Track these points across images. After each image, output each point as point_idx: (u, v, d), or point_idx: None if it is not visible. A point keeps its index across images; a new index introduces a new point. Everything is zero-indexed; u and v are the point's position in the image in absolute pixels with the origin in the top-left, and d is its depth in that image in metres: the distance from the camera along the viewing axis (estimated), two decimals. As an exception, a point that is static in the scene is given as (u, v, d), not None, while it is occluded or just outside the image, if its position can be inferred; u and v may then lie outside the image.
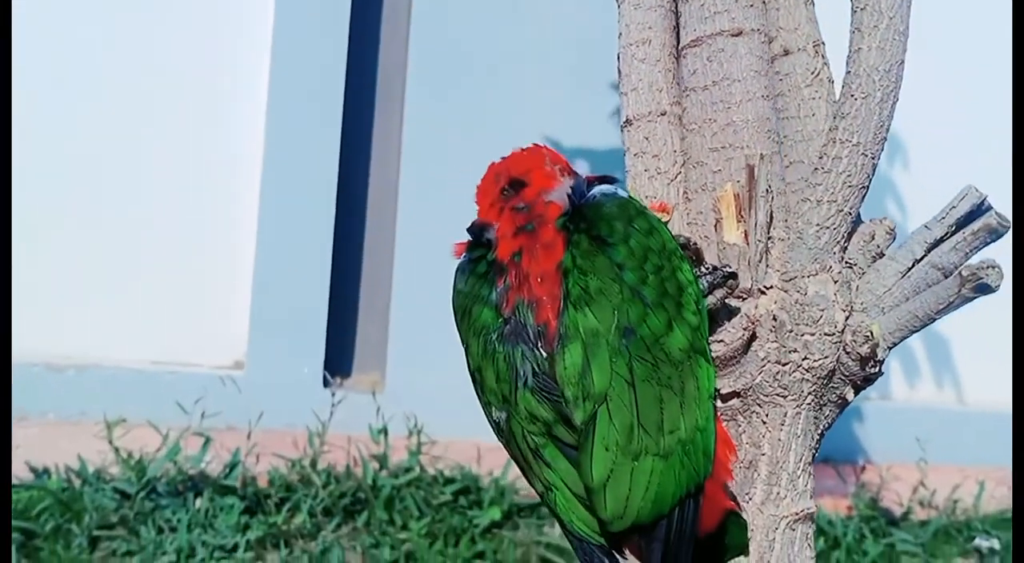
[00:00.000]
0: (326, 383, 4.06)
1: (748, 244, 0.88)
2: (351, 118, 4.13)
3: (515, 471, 3.41)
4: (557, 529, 3.29)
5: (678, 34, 0.98)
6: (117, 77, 3.92)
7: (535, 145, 0.99)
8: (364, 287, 4.31)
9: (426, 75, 4.11)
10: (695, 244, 0.90)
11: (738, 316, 0.89)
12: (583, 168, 4.04)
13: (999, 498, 3.70)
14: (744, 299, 0.89)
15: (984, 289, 0.85)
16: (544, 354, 0.85)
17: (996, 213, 0.88)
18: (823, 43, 1.01)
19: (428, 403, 3.70)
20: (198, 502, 3.12)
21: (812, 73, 0.99)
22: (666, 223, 0.90)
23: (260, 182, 4.00)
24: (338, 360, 4.18)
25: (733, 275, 0.88)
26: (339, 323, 4.20)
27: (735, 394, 0.91)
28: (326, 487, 3.25)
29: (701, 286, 0.87)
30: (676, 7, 0.97)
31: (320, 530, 3.10)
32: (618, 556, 0.89)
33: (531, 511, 3.35)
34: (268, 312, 4.00)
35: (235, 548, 2.95)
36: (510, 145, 4.26)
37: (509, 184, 0.95)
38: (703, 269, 0.89)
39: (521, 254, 0.89)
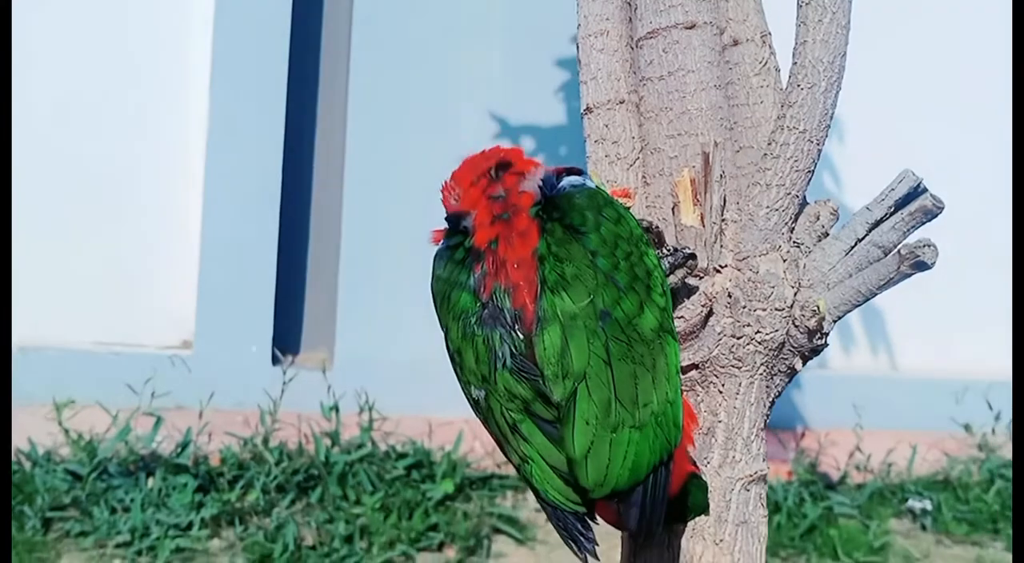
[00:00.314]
0: (275, 361, 4.06)
1: (704, 226, 0.94)
2: (295, 95, 4.11)
3: (466, 445, 3.48)
4: (509, 500, 3.37)
5: (633, 25, 1.03)
6: (63, 59, 3.86)
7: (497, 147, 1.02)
8: (311, 265, 4.31)
9: (370, 52, 4.11)
10: (656, 227, 0.95)
11: (696, 294, 0.95)
12: (528, 145, 4.08)
13: (931, 461, 3.85)
14: (701, 278, 0.95)
15: (921, 266, 0.91)
16: (521, 336, 0.90)
17: (931, 195, 0.95)
18: (770, 34, 1.07)
19: (377, 380, 3.73)
20: (150, 482, 3.13)
21: (760, 62, 1.05)
22: (628, 208, 0.95)
23: (205, 161, 3.97)
24: (285, 338, 4.18)
25: (692, 256, 0.94)
26: (286, 301, 4.20)
27: (694, 366, 0.97)
28: (279, 464, 3.27)
29: (663, 267, 0.93)
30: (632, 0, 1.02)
31: (274, 507, 3.13)
32: (589, 520, 0.96)
33: (483, 483, 3.42)
34: (215, 291, 3.98)
35: (190, 526, 2.97)
36: (455, 121, 4.32)
37: (497, 165, 0.98)
38: (664, 250, 0.95)
39: (498, 241, 0.93)
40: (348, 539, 2.94)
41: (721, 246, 0.96)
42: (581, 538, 0.97)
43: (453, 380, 3.88)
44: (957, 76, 4.46)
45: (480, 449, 3.57)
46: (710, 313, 0.95)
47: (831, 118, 0.95)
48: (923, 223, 0.94)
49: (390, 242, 4.14)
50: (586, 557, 0.97)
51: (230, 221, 3.99)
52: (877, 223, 0.96)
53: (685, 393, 0.96)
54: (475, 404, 0.97)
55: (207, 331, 3.98)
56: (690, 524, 0.99)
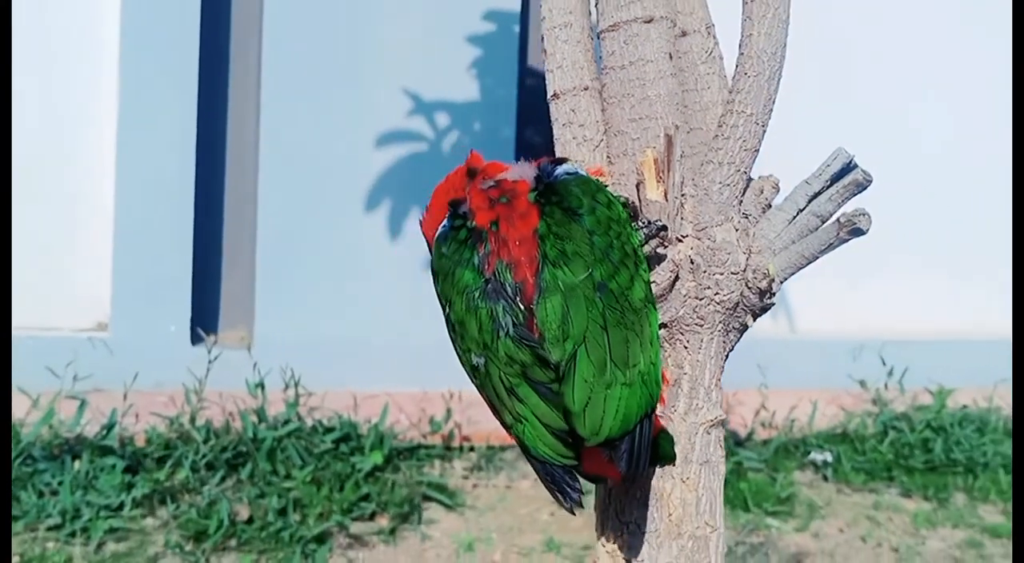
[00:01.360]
0: (194, 341, 4.05)
1: (667, 201, 1.05)
2: (207, 72, 4.08)
3: (392, 417, 3.55)
4: (437, 469, 3.47)
5: (595, 18, 1.12)
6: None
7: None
8: (227, 244, 4.29)
9: (282, 29, 4.10)
10: (632, 202, 1.06)
11: (665, 261, 1.05)
12: (443, 121, 4.13)
13: (829, 416, 4.10)
14: (667, 246, 1.06)
15: (857, 232, 1.04)
16: (523, 307, 1.01)
17: (861, 169, 1.07)
18: (713, 25, 1.17)
19: (299, 357, 3.76)
20: (77, 465, 3.12)
21: (707, 52, 1.16)
22: (605, 186, 1.05)
23: (117, 140, 3.91)
24: (204, 318, 4.17)
25: (664, 227, 1.04)
26: (203, 281, 4.18)
27: (663, 325, 1.08)
28: (207, 442, 3.30)
29: (639, 238, 1.04)
30: (592, -6, 1.11)
31: (204, 484, 3.16)
32: (577, 474, 1.07)
33: (410, 454, 3.51)
34: (130, 272, 3.95)
35: (121, 506, 2.98)
36: (369, 97, 4.36)
37: (468, 171, 1.08)
38: (639, 223, 1.05)
39: (499, 222, 1.03)
40: (282, 512, 2.99)
41: (682, 218, 1.07)
42: (568, 489, 1.08)
43: (376, 355, 4.01)
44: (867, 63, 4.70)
45: (405, 421, 3.65)
46: (676, 278, 1.06)
47: (774, 102, 1.06)
48: (855, 194, 1.07)
49: (307, 220, 4.16)
50: (571, 506, 1.08)
51: (144, 201, 3.95)
52: (815, 195, 1.08)
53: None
54: (473, 370, 1.06)
55: (123, 313, 3.95)
56: (657, 467, 1.11)
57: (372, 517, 3.12)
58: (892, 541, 3.24)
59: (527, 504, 3.35)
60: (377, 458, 3.33)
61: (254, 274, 4.15)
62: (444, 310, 1.07)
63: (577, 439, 1.03)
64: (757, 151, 1.07)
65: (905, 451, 3.82)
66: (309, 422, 3.47)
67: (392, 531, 3.04)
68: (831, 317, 4.78)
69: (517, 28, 4.32)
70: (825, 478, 3.70)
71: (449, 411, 3.62)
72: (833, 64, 4.61)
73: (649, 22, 1.07)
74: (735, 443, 3.77)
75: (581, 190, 1.02)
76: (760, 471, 3.63)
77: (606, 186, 1.05)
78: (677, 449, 1.08)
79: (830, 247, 1.06)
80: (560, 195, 1.02)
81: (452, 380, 3.86)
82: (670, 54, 1.08)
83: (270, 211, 4.13)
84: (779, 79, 1.06)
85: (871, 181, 1.05)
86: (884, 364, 4.27)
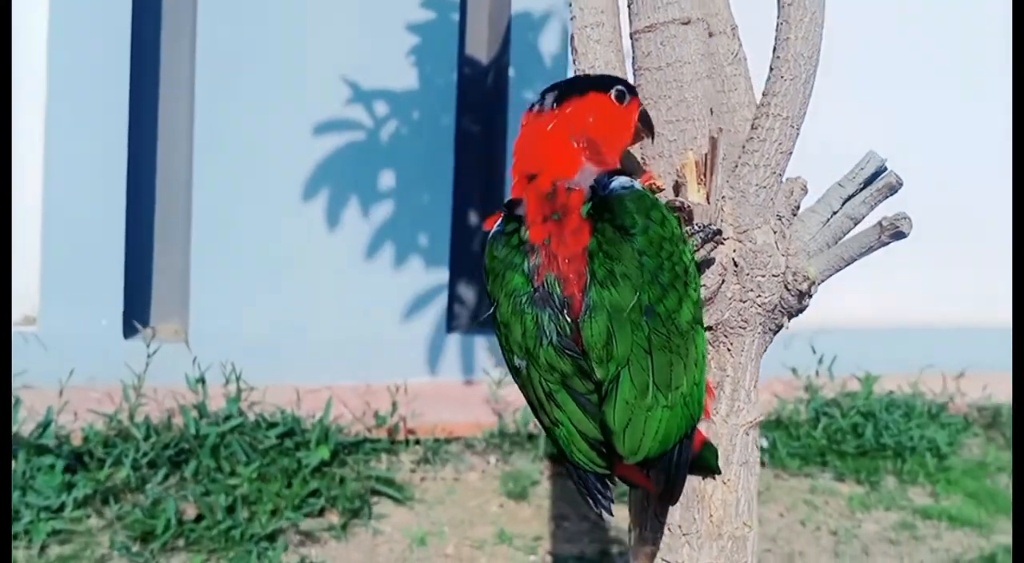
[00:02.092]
0: (126, 334, 3.93)
1: (709, 203, 1.05)
2: (138, 60, 3.95)
3: (336, 411, 3.51)
4: (384, 463, 3.44)
5: (630, 19, 1.11)
6: None
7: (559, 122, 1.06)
8: (159, 237, 4.17)
9: (216, 16, 3.99)
10: (688, 206, 1.06)
11: (714, 264, 1.06)
12: (381, 109, 4.08)
13: (763, 403, 4.17)
14: (715, 247, 1.06)
15: (899, 235, 1.06)
16: (569, 320, 1.01)
17: (893, 172, 1.09)
18: (737, 26, 1.18)
19: (236, 349, 3.69)
20: (13, 465, 2.99)
21: (732, 54, 1.17)
22: (658, 193, 1.05)
23: (44, 130, 3.76)
24: (135, 311, 4.05)
25: (719, 231, 1.05)
26: (135, 274, 4.06)
27: (709, 328, 1.09)
28: (147, 439, 3.21)
29: (694, 243, 1.04)
30: (624, -6, 1.11)
31: (147, 483, 3.07)
32: (609, 482, 1.08)
33: (356, 448, 3.47)
34: (60, 263, 3.81)
35: (62, 507, 2.89)
36: (307, 86, 4.28)
37: (528, 177, 1.06)
38: (694, 227, 1.05)
39: (551, 239, 1.03)
40: (230, 510, 2.92)
41: (721, 220, 1.07)
42: (599, 495, 1.07)
43: (316, 348, 3.94)
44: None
45: (349, 415, 3.61)
46: (723, 281, 1.07)
47: (807, 105, 1.08)
48: (887, 197, 1.09)
49: (243, 209, 4.07)
50: (601, 512, 1.07)
51: (73, 190, 3.82)
52: (849, 198, 1.10)
53: (701, 356, 1.09)
54: (515, 371, 1.06)
55: (53, 306, 3.81)
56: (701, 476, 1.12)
57: (322, 513, 3.08)
58: (830, 524, 3.33)
59: (476, 496, 3.34)
60: (323, 453, 3.28)
61: (188, 265, 4.05)
62: (491, 308, 1.06)
63: (612, 451, 1.04)
64: (791, 153, 1.09)
65: (837, 436, 3.94)
66: (252, 417, 3.40)
67: (343, 527, 3.01)
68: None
69: (456, 16, 4.29)
70: (763, 464, 3.79)
71: (394, 404, 3.59)
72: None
73: (687, 23, 1.07)
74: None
75: (635, 207, 1.01)
76: (701, 458, 3.69)
77: (659, 202, 1.04)
78: (720, 453, 1.10)
79: (870, 249, 1.09)
80: (613, 212, 1.01)
81: (396, 372, 3.85)
82: (706, 55, 1.09)
83: (205, 201, 4.03)
84: (813, 82, 1.07)
85: (902, 184, 1.08)
86: (814, 352, 4.39)
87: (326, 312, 4.13)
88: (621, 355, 1.00)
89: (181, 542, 2.81)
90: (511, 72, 4.40)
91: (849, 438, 3.94)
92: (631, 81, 1.14)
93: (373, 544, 2.98)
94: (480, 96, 4.47)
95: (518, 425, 3.71)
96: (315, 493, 3.12)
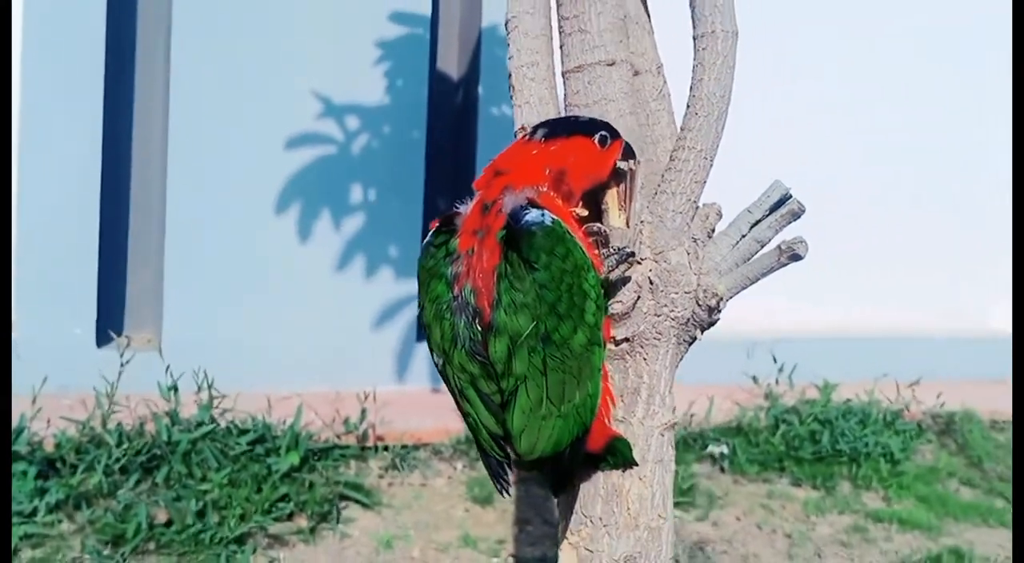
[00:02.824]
0: (99, 343, 4.00)
1: (629, 227, 1.16)
2: (113, 73, 4.02)
3: (306, 418, 3.59)
4: (353, 469, 3.53)
5: (560, 60, 1.22)
6: None
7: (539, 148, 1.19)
8: (132, 246, 4.24)
9: (191, 30, 4.07)
10: (604, 231, 1.16)
11: (630, 282, 1.16)
12: (352, 123, 4.16)
13: (725, 411, 4.31)
14: (629, 268, 1.17)
15: (796, 257, 1.17)
16: (479, 329, 1.15)
17: (796, 200, 1.20)
18: (663, 65, 1.29)
19: (208, 358, 3.75)
20: (-16, 471, 3.06)
21: (657, 90, 1.27)
22: (582, 216, 1.16)
23: (18, 138, 3.83)
24: (109, 320, 4.12)
25: (632, 254, 1.16)
26: (108, 283, 4.13)
27: (626, 339, 1.20)
28: (120, 446, 3.27)
29: (609, 264, 1.15)
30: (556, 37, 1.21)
31: (119, 488, 3.14)
32: (507, 465, 1.25)
33: (325, 454, 3.55)
34: (33, 273, 3.88)
35: (34, 512, 2.95)
36: (279, 100, 4.37)
37: (496, 171, 1.18)
38: (609, 250, 1.16)
39: (473, 251, 1.16)
40: (200, 515, 3.00)
41: (640, 243, 1.18)
42: (501, 478, 1.25)
43: (287, 357, 4.04)
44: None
45: (319, 422, 3.69)
46: (638, 297, 1.18)
47: (720, 139, 1.18)
48: (791, 222, 1.20)
49: (216, 221, 4.15)
50: (502, 489, 1.26)
51: (47, 200, 3.88)
52: (756, 223, 1.21)
53: (618, 360, 1.21)
54: (437, 367, 1.22)
55: (27, 315, 3.87)
56: (619, 469, 1.23)
57: (291, 517, 3.16)
58: (785, 528, 3.45)
59: (442, 501, 3.44)
60: (293, 459, 3.36)
61: (162, 275, 4.12)
62: (419, 312, 1.19)
63: (511, 444, 1.19)
64: (705, 182, 1.20)
65: (795, 443, 4.06)
66: (223, 424, 3.47)
67: (311, 530, 3.09)
68: (725, 318, 5.01)
69: (426, 33, 4.40)
70: (722, 469, 3.91)
71: (364, 411, 3.68)
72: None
73: (611, 65, 1.18)
74: (638, 438, 3.94)
75: (542, 243, 1.13)
76: (662, 464, 3.80)
77: (568, 233, 1.15)
78: (636, 449, 1.21)
79: (771, 270, 1.20)
80: (521, 246, 1.13)
81: (365, 381, 3.93)
82: (629, 93, 1.20)
83: (178, 213, 4.10)
84: (725, 119, 1.18)
85: (804, 210, 1.19)
86: (775, 361, 4.51)
87: (297, 322, 4.22)
88: (519, 373, 1.14)
89: (152, 546, 2.89)
90: (480, 88, 4.51)
91: (806, 444, 4.06)
92: (563, 114, 1.25)
93: (340, 547, 3.06)
94: (450, 111, 4.58)
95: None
96: (284, 498, 3.20)
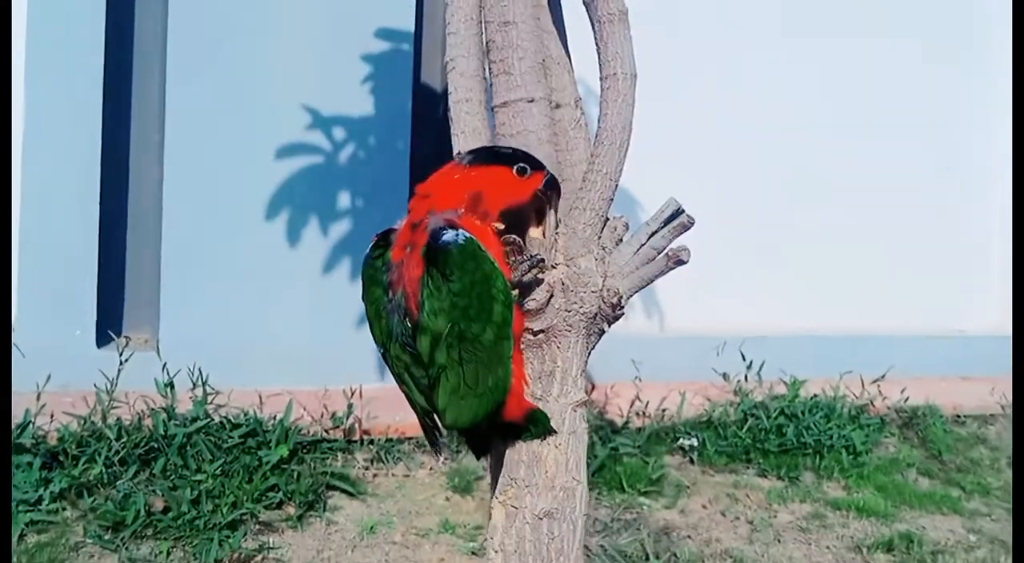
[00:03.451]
0: (99, 343, 4.20)
1: (545, 237, 1.37)
2: (111, 84, 4.23)
3: (296, 413, 3.80)
4: (340, 460, 3.73)
5: (489, 96, 1.43)
6: None
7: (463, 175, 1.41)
8: (131, 250, 4.45)
9: (186, 46, 4.28)
10: (518, 241, 1.37)
11: (543, 284, 1.38)
12: (339, 134, 4.37)
13: (696, 406, 4.52)
14: (544, 273, 1.38)
15: (680, 263, 1.38)
16: (409, 326, 1.39)
17: (687, 215, 1.41)
18: (580, 98, 1.50)
19: (203, 357, 3.96)
20: (-9, 464, 3.26)
21: (575, 121, 1.48)
22: (500, 230, 1.37)
23: (23, 144, 4.04)
24: (108, 321, 4.33)
25: (542, 260, 1.37)
26: (107, 285, 4.34)
27: (542, 331, 1.41)
28: (119, 439, 3.48)
29: (522, 269, 1.36)
30: (486, 77, 1.43)
31: (118, 478, 3.34)
32: (438, 431, 1.51)
33: (313, 447, 3.75)
34: (36, 276, 4.08)
35: (39, 501, 3.15)
36: (269, 112, 4.59)
37: (421, 194, 1.43)
38: (523, 257, 1.38)
39: (403, 263, 1.40)
40: (195, 503, 3.20)
41: (555, 250, 1.39)
42: (435, 442, 1.55)
43: (277, 356, 4.27)
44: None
45: (307, 417, 3.89)
46: (551, 296, 1.39)
47: (623, 163, 1.39)
48: (682, 233, 1.41)
49: (210, 228, 4.36)
50: (436, 452, 1.58)
51: (49, 208, 4.09)
52: (653, 233, 1.42)
53: (535, 349, 1.42)
54: (381, 355, 1.47)
55: (31, 318, 4.07)
56: (539, 438, 1.45)
57: (280, 505, 3.37)
58: (748, 515, 3.66)
59: (424, 491, 3.64)
60: (283, 451, 3.56)
61: (159, 279, 4.32)
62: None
63: (439, 417, 1.46)
64: (611, 199, 1.41)
65: (762, 436, 4.27)
66: (217, 419, 3.68)
67: (299, 518, 3.29)
68: (697, 317, 5.24)
69: (410, 47, 4.60)
70: (692, 461, 4.11)
71: (350, 407, 3.89)
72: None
73: (531, 101, 1.40)
74: (612, 431, 4.15)
75: (456, 259, 1.36)
76: (634, 456, 4.00)
77: (479, 249, 1.38)
78: (553, 422, 1.43)
79: (662, 273, 1.41)
80: (439, 261, 1.36)
81: (352, 377, 4.14)
82: (548, 124, 1.41)
83: (174, 220, 4.31)
84: (627, 147, 1.39)
85: (693, 223, 1.40)
86: (744, 359, 4.72)
87: (287, 323, 4.43)
88: (441, 363, 1.38)
89: (149, 531, 3.09)
90: (462, 98, 4.71)
91: (773, 437, 4.27)
92: (493, 143, 1.46)
93: (326, 533, 3.27)
94: (433, 121, 4.79)
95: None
96: (274, 488, 3.40)
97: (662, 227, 1.39)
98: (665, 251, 1.38)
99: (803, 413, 4.44)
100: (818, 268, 5.46)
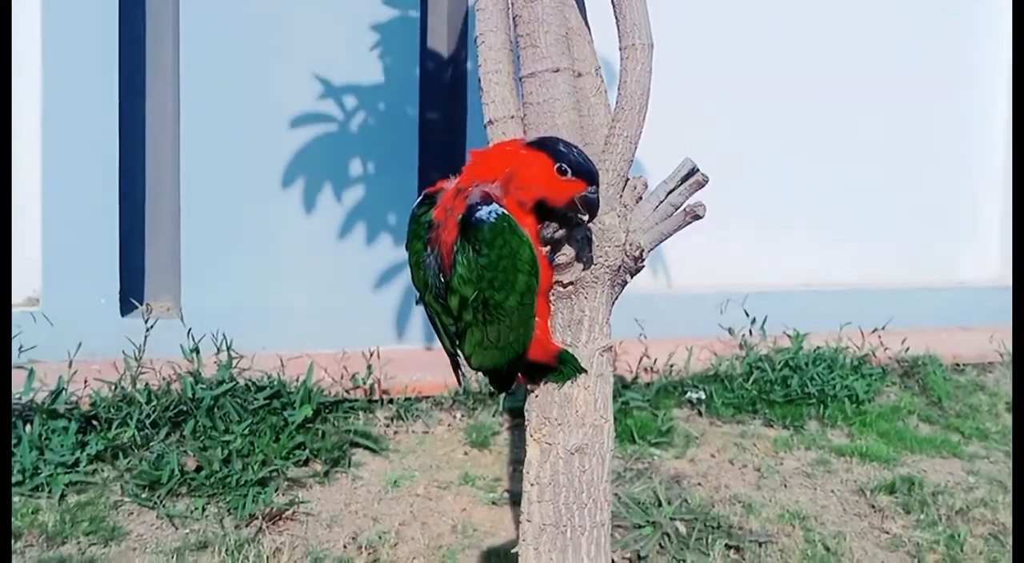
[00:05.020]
0: (123, 312, 4.33)
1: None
2: (127, 58, 4.32)
3: (317, 375, 3.92)
4: (361, 419, 3.86)
5: (517, 66, 1.54)
6: None
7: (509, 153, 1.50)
8: (150, 220, 4.57)
9: (199, 19, 4.36)
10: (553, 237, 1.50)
11: (573, 240, 1.50)
12: (351, 101, 4.47)
13: (703, 360, 4.65)
14: (573, 228, 1.50)
15: (697, 217, 1.50)
16: (442, 281, 1.53)
17: (701, 173, 1.52)
18: (601, 67, 1.60)
19: (224, 324, 4.08)
20: (28, 428, 3.39)
21: (596, 88, 1.59)
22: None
23: (41, 115, 4.13)
24: (130, 290, 4.45)
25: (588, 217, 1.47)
26: (129, 254, 4.46)
27: (571, 283, 1.53)
28: (149, 403, 3.61)
29: (547, 233, 1.48)
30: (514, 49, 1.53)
31: (151, 441, 3.48)
32: (460, 369, 1.66)
33: (336, 407, 3.89)
34: (60, 248, 4.20)
35: (76, 463, 3.29)
36: (282, 82, 4.66)
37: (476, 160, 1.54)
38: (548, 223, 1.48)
39: (442, 224, 1.52)
40: (226, 461, 3.34)
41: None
42: (456, 370, 1.68)
43: (297, 321, 4.41)
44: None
45: (328, 378, 4.03)
46: (579, 251, 1.51)
47: (643, 127, 1.50)
48: (698, 190, 1.52)
49: (228, 197, 4.47)
50: (459, 378, 1.71)
51: (70, 181, 4.19)
52: (671, 191, 1.53)
53: (564, 301, 1.55)
54: (418, 298, 1.63)
55: (54, 287, 4.20)
56: (569, 380, 1.57)
57: (307, 463, 3.51)
58: (755, 462, 3.80)
59: (444, 446, 3.78)
60: (307, 411, 3.69)
61: (179, 248, 4.44)
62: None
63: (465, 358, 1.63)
64: (631, 161, 1.52)
65: (767, 387, 4.40)
66: (242, 382, 3.81)
67: (326, 474, 3.43)
68: (702, 275, 5.37)
69: (417, 14, 4.68)
70: (699, 413, 4.25)
71: (369, 368, 4.02)
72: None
73: (556, 71, 1.50)
74: (622, 386, 4.28)
75: (488, 236, 1.47)
76: (644, 409, 4.14)
77: (509, 226, 1.48)
78: (584, 363, 1.56)
79: (680, 227, 1.53)
80: (471, 235, 1.49)
81: (370, 340, 4.27)
82: (571, 93, 1.52)
83: (193, 189, 4.42)
84: (646, 112, 1.50)
85: (708, 180, 1.51)
86: (747, 314, 4.85)
87: (305, 287, 4.55)
88: (467, 320, 1.54)
89: (184, 489, 3.23)
90: (468, 64, 4.80)
91: (778, 389, 4.40)
92: (520, 111, 1.57)
93: (352, 488, 3.41)
94: (441, 87, 4.88)
95: (480, 385, 4.14)
96: (300, 446, 3.54)
97: (679, 185, 1.50)
98: (682, 207, 1.49)
99: (806, 365, 4.57)
100: (819, 224, 5.57)
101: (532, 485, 1.52)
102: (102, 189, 4.22)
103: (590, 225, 1.51)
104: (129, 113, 4.36)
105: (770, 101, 5.38)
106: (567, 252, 1.50)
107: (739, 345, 4.83)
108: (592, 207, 1.45)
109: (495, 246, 1.46)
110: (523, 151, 1.48)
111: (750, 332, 4.86)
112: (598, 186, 1.44)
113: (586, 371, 1.57)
